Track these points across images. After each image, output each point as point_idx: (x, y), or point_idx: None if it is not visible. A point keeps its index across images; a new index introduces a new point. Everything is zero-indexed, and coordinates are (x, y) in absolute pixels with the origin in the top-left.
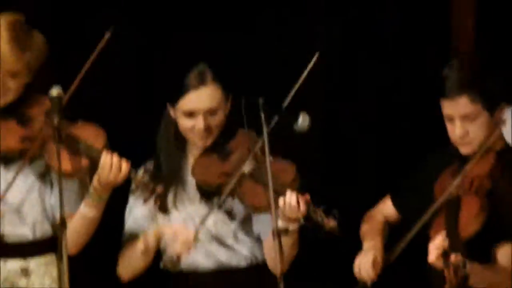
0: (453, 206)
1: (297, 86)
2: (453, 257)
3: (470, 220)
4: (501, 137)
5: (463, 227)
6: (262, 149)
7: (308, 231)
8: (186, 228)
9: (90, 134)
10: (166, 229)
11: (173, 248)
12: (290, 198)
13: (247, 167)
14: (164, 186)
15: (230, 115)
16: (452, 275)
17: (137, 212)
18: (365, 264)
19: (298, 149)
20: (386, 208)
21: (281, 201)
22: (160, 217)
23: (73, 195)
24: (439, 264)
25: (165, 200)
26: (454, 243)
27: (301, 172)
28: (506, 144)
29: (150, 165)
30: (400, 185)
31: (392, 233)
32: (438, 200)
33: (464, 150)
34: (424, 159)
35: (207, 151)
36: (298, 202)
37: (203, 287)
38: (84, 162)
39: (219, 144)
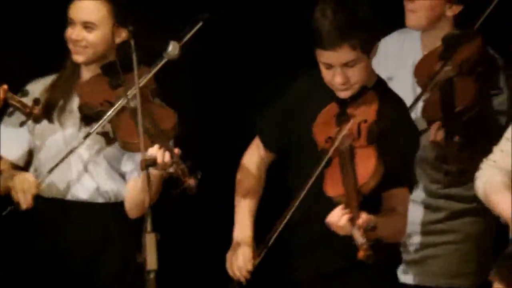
0: (347, 159)
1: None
2: (360, 220)
3: (369, 174)
4: (373, 72)
5: (363, 181)
6: (153, 91)
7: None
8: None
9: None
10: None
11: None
12: (156, 152)
13: (130, 102)
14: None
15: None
16: (362, 236)
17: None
18: (237, 261)
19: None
20: (259, 151)
21: (150, 150)
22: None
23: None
24: (348, 230)
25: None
26: (349, 196)
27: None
28: (377, 78)
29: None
30: (268, 117)
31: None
32: (325, 150)
33: (343, 95)
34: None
35: (99, 75)
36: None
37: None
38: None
39: (114, 72)
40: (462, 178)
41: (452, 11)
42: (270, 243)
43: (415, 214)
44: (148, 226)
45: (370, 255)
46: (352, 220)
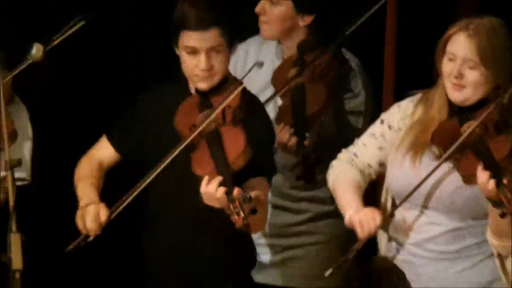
0: (214, 138)
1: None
2: (236, 191)
3: (240, 150)
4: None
5: (233, 158)
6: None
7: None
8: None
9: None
10: None
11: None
12: None
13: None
14: None
15: None
16: (238, 207)
17: None
18: (89, 215)
19: None
20: (103, 150)
21: None
22: None
23: None
24: (224, 202)
25: None
26: (221, 172)
27: None
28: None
29: None
30: (118, 123)
31: None
32: (185, 138)
33: (203, 85)
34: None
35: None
36: None
37: None
38: None
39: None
40: (312, 180)
41: (304, 21)
42: (120, 209)
43: (277, 216)
44: (13, 226)
45: (247, 224)
46: (227, 194)
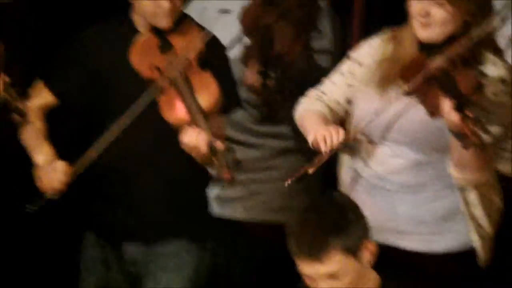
0: (184, 84)
1: None
2: (218, 144)
3: (213, 98)
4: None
5: (208, 103)
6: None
7: None
8: None
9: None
10: None
11: None
12: None
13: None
14: None
15: None
16: (223, 162)
17: None
18: (54, 174)
19: None
20: (41, 98)
21: None
22: None
23: None
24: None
25: None
26: (196, 119)
27: None
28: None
29: None
30: (55, 66)
31: None
32: (152, 79)
33: (166, 23)
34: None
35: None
36: None
37: None
38: None
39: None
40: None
41: None
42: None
43: (240, 151)
44: None
45: (233, 177)
46: (210, 145)
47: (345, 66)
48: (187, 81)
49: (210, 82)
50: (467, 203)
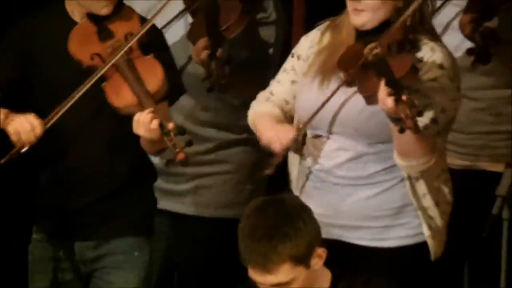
0: (129, 69)
1: None
2: (171, 124)
3: (160, 80)
4: None
5: (156, 87)
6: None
7: None
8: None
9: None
10: None
11: None
12: None
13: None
14: None
15: None
16: (175, 143)
17: None
18: (23, 126)
19: None
20: None
21: None
22: None
23: None
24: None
25: None
26: (146, 103)
27: None
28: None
29: None
30: None
31: None
32: (93, 66)
33: (106, 10)
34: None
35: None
36: None
37: None
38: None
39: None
40: (227, 92)
41: None
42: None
43: None
44: None
45: (186, 158)
46: (161, 126)
47: (288, 63)
48: (132, 66)
49: (154, 65)
50: (415, 193)
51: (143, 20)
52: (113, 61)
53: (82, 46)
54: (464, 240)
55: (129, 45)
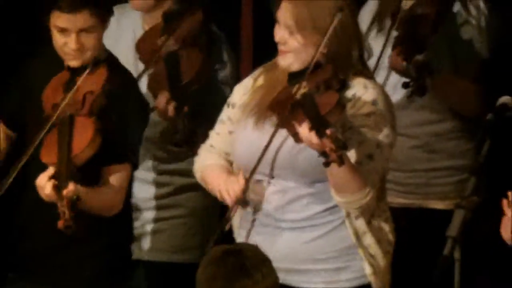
0: (65, 127)
1: None
2: (65, 191)
3: (84, 145)
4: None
5: (77, 152)
6: None
7: None
8: None
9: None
10: None
11: None
12: None
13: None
14: None
15: None
16: (64, 206)
17: None
18: None
19: None
20: None
21: None
22: None
23: None
24: (53, 197)
25: None
26: (60, 165)
27: None
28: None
29: None
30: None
31: None
32: (49, 116)
33: (74, 63)
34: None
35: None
36: None
37: None
38: None
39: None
40: (190, 148)
41: None
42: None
43: (140, 189)
44: None
45: (68, 226)
46: (57, 189)
47: (224, 113)
48: (71, 124)
49: (87, 128)
50: (355, 231)
51: (125, 75)
52: (54, 117)
53: (50, 94)
54: (414, 282)
55: (77, 102)
